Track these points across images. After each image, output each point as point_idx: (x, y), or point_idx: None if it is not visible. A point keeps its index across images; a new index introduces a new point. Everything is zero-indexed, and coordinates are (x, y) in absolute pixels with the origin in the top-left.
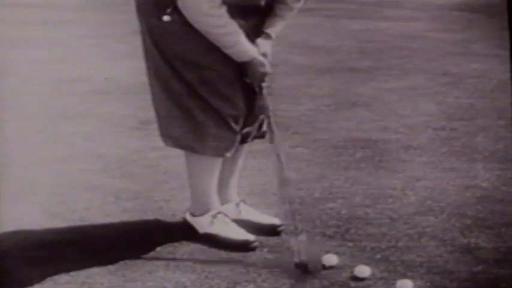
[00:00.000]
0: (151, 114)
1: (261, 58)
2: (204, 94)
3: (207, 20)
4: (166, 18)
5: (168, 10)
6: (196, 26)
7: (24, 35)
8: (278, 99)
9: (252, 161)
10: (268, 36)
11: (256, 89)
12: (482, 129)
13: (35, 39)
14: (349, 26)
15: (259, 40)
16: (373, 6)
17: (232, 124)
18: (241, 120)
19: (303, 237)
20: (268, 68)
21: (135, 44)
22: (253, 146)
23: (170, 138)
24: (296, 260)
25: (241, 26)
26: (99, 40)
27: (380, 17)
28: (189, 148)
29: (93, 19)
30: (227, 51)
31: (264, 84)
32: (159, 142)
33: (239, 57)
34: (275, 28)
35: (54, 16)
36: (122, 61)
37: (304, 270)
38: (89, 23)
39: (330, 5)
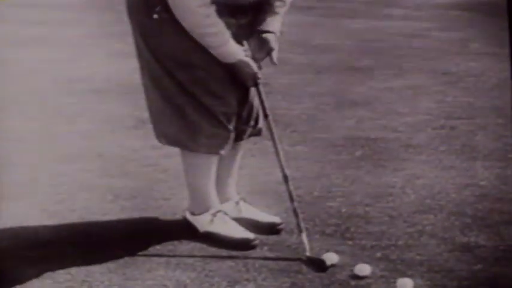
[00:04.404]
0: None
1: (246, 59)
2: (195, 92)
3: (194, 18)
4: (155, 16)
5: (158, 8)
6: (184, 24)
7: (23, 34)
8: (278, 98)
9: (251, 159)
10: (269, 33)
11: (252, 89)
12: (481, 127)
13: (35, 38)
14: (349, 25)
15: (265, 35)
16: (372, 5)
17: (224, 122)
18: (233, 118)
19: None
20: (256, 68)
21: (133, 42)
22: (253, 144)
23: (164, 136)
24: (308, 255)
25: (230, 25)
26: (98, 39)
27: (380, 16)
28: (182, 146)
29: (91, 19)
30: (213, 51)
31: (259, 82)
32: (157, 141)
33: (225, 58)
34: (274, 24)
35: (53, 16)
36: (121, 60)
37: (321, 266)
38: (88, 22)
39: (329, 4)
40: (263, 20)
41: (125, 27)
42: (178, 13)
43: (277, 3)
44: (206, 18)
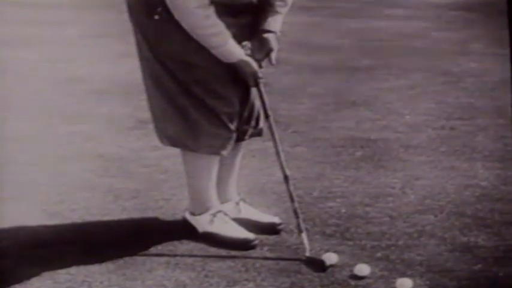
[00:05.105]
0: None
1: (247, 59)
2: (197, 92)
3: (193, 20)
4: (156, 16)
5: (158, 9)
6: (183, 25)
7: (23, 34)
8: (278, 98)
9: (251, 160)
10: (271, 32)
11: (253, 88)
12: (481, 128)
13: (34, 38)
14: (349, 25)
15: (265, 35)
16: (373, 5)
17: (227, 122)
18: (236, 118)
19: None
20: (256, 68)
21: (134, 43)
22: (253, 145)
23: (165, 137)
24: (308, 255)
25: (231, 24)
26: (98, 40)
27: (380, 16)
28: (184, 146)
29: (92, 19)
30: (213, 52)
31: (260, 81)
32: (158, 141)
33: (225, 58)
34: (275, 24)
35: (54, 16)
36: (121, 60)
37: (320, 266)
38: (88, 22)
39: (330, 4)
40: (264, 20)
41: (125, 27)
42: (177, 14)
43: (278, 3)
44: (205, 19)
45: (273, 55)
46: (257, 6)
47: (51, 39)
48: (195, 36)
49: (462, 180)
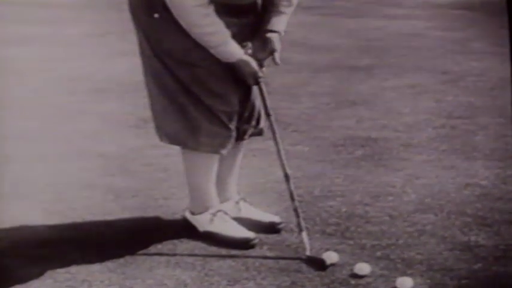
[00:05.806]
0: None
1: (246, 58)
2: (196, 91)
3: (191, 18)
4: (156, 15)
5: (159, 7)
6: (182, 23)
7: (24, 33)
8: (278, 97)
9: (252, 159)
10: (274, 32)
11: (254, 88)
12: (482, 127)
13: (35, 37)
14: (349, 24)
15: (269, 35)
16: (372, 5)
17: (225, 121)
18: (234, 117)
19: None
20: (256, 67)
21: (135, 42)
22: (253, 144)
23: (165, 135)
24: (308, 254)
25: (231, 24)
26: (98, 38)
27: (379, 15)
28: (183, 144)
29: (92, 17)
30: (212, 51)
31: (261, 80)
32: (158, 140)
33: (224, 57)
34: (279, 24)
35: (54, 14)
36: (122, 59)
37: (321, 265)
38: (89, 21)
39: (329, 3)
40: (268, 20)
41: (125, 25)
42: (176, 12)
43: (283, 3)
44: (204, 17)
45: (277, 55)
46: (260, 6)
47: (52, 38)
48: (192, 35)
49: (462, 179)
